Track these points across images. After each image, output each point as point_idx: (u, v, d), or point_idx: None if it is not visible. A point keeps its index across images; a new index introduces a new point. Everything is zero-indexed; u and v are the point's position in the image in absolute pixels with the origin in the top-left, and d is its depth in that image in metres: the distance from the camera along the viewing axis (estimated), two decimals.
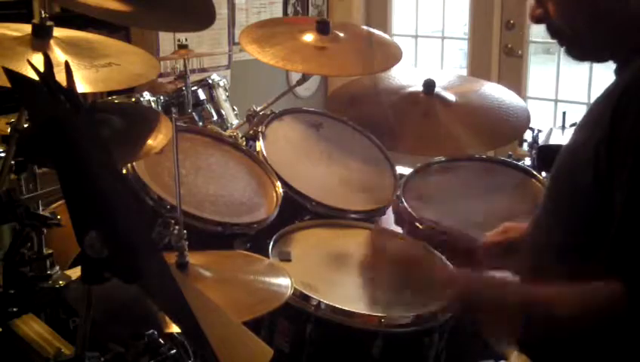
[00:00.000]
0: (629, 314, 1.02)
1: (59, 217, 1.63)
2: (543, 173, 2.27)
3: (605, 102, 1.10)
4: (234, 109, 2.94)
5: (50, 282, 1.64)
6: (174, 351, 1.37)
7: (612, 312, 1.03)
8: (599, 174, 1.06)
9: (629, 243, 1.03)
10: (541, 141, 2.68)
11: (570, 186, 1.15)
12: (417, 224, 2.06)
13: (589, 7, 1.15)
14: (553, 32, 1.21)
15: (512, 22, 4.00)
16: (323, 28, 2.44)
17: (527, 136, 2.68)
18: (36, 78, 0.98)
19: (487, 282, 1.21)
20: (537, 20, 1.21)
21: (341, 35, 2.48)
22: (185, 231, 1.45)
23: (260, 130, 2.18)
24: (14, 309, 1.57)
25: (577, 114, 1.17)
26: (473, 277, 1.24)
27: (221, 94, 2.90)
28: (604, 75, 1.24)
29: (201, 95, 2.83)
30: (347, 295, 1.65)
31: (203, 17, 1.99)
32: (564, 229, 1.17)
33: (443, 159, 2.34)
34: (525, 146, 2.74)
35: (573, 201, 1.14)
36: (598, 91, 1.21)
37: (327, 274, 1.74)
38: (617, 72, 1.19)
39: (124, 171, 1.82)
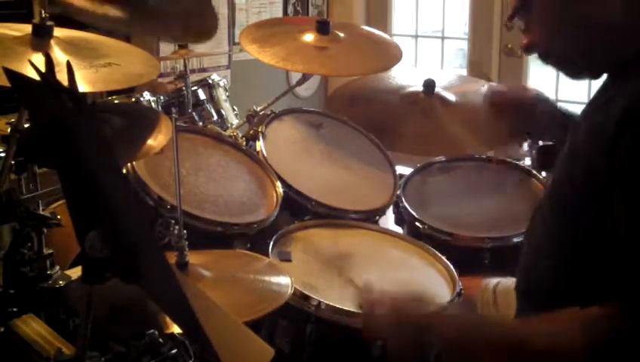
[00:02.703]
0: (632, 337, 1.00)
1: (59, 217, 1.63)
2: (543, 173, 2.27)
3: (607, 112, 1.08)
4: (234, 109, 2.94)
5: (50, 282, 1.64)
6: (175, 350, 1.37)
7: (614, 340, 1.01)
8: (597, 181, 1.06)
9: (630, 264, 1.02)
10: (541, 141, 2.67)
11: (566, 188, 1.15)
12: (418, 224, 2.06)
13: (568, 26, 1.15)
14: (544, 57, 1.21)
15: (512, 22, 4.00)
16: (323, 28, 2.44)
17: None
18: (37, 77, 0.98)
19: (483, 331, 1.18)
20: (527, 50, 1.21)
21: (341, 35, 2.48)
22: (185, 231, 1.45)
23: (259, 130, 2.18)
24: (14, 309, 1.57)
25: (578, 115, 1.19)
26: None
27: (221, 94, 2.90)
28: (603, 75, 1.23)
29: (201, 95, 2.83)
30: (347, 295, 1.65)
31: (205, 30, 1.98)
32: (559, 236, 1.16)
33: (443, 159, 2.34)
34: (525, 146, 2.73)
35: (568, 207, 1.14)
36: None
37: (327, 274, 1.74)
38: (612, 79, 1.18)
39: (124, 171, 1.82)
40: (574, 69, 1.22)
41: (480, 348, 1.13)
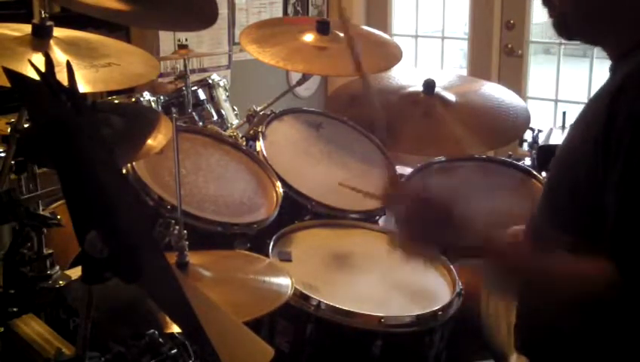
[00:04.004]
0: (624, 300, 1.01)
1: (59, 217, 1.63)
2: (543, 173, 2.27)
3: (600, 101, 1.10)
4: (234, 109, 2.93)
5: (50, 282, 1.64)
6: (175, 350, 1.37)
7: (607, 288, 1.02)
8: (593, 172, 1.06)
9: (625, 243, 1.02)
10: (541, 141, 2.68)
11: (565, 183, 1.16)
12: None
13: None
14: (546, 3, 1.21)
15: (512, 22, 4.00)
16: (323, 28, 2.44)
17: (527, 136, 2.68)
18: (37, 77, 0.98)
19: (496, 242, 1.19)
20: None
21: (341, 35, 2.48)
22: (185, 231, 1.45)
23: (259, 130, 2.18)
24: (14, 309, 1.57)
25: (577, 114, 1.18)
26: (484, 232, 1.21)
27: (221, 94, 2.89)
28: (604, 75, 1.23)
29: (201, 95, 2.83)
30: (347, 295, 1.65)
31: (205, 16, 1.99)
32: (560, 225, 1.17)
33: (443, 159, 2.34)
34: (525, 146, 2.74)
35: (568, 198, 1.14)
36: None
37: (327, 274, 1.74)
38: (612, 69, 1.18)
39: (124, 171, 1.82)
40: (567, 29, 1.21)
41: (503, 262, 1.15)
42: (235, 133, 2.31)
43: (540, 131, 2.71)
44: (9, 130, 1.69)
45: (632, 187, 1.01)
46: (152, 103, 2.58)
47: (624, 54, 1.14)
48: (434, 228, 1.18)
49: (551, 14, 1.21)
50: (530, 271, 1.13)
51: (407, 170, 2.33)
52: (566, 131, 2.72)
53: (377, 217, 2.16)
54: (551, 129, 2.86)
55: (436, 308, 1.63)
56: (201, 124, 2.72)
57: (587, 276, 1.05)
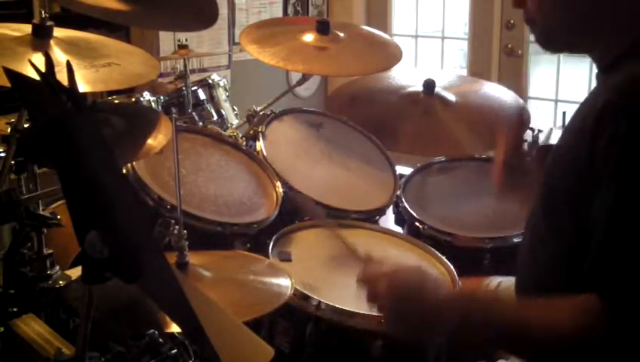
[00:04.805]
0: (609, 330, 1.00)
1: (59, 217, 1.63)
2: None
3: (588, 111, 1.09)
4: (234, 109, 2.93)
5: (50, 282, 1.64)
6: (175, 350, 1.37)
7: (589, 330, 1.01)
8: (580, 181, 1.06)
9: (610, 258, 1.02)
10: (541, 141, 2.68)
11: (554, 188, 1.16)
12: (418, 224, 2.06)
13: (562, 4, 1.15)
14: (527, 18, 1.21)
15: (512, 22, 4.00)
16: (323, 28, 2.44)
17: (527, 136, 2.69)
18: (37, 77, 0.98)
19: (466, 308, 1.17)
20: (518, 4, 1.21)
21: (341, 35, 2.48)
22: (185, 231, 1.46)
23: (260, 130, 2.18)
24: (14, 309, 1.57)
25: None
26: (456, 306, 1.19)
27: (221, 94, 2.90)
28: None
29: (201, 95, 2.83)
30: (347, 295, 1.65)
31: (205, 16, 1.99)
32: (550, 230, 1.17)
33: (443, 159, 2.34)
34: (525, 146, 2.74)
35: (556, 204, 1.14)
36: None
37: (327, 274, 1.74)
38: (599, 78, 1.18)
39: (124, 171, 1.82)
40: (552, 44, 1.21)
41: (481, 331, 1.14)
42: (235, 133, 2.31)
43: (540, 131, 2.71)
44: (9, 130, 1.69)
45: (621, 210, 1.01)
46: (152, 103, 2.58)
47: (610, 63, 1.14)
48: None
49: (533, 30, 1.21)
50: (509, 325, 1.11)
51: (407, 170, 2.33)
52: None
53: (377, 217, 2.16)
54: (551, 129, 2.86)
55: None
56: (201, 124, 2.72)
57: (564, 322, 1.04)
